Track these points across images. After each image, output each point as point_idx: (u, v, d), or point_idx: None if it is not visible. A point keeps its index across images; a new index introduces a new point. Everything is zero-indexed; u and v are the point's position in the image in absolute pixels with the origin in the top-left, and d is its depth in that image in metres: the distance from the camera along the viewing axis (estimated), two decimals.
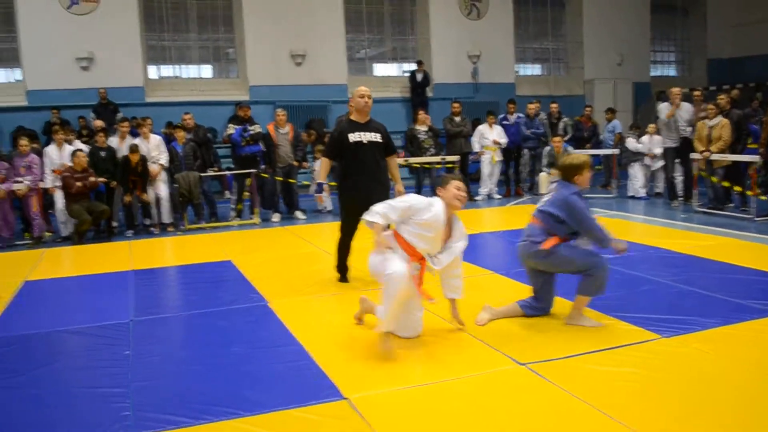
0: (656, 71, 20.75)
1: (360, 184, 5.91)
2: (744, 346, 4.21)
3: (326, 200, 11.28)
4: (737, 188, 9.76)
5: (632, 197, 11.74)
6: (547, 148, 11.31)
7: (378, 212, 4.32)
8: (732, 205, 10.06)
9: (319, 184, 6.72)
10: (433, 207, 4.35)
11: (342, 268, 6.37)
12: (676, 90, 10.47)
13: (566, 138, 12.63)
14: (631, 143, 11.98)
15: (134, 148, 9.69)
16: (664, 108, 10.59)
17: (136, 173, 9.74)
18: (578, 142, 12.90)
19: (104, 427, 3.41)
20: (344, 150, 5.98)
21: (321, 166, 6.37)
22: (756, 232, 8.14)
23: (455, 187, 4.41)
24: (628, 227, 8.99)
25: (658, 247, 7.15)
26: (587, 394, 3.55)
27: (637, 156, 11.86)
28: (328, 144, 6.44)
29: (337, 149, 6.05)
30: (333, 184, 8.11)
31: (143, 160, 9.80)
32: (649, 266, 6.38)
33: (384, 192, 5.92)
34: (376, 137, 5.99)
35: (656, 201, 11.45)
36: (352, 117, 6.14)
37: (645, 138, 11.97)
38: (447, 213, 4.41)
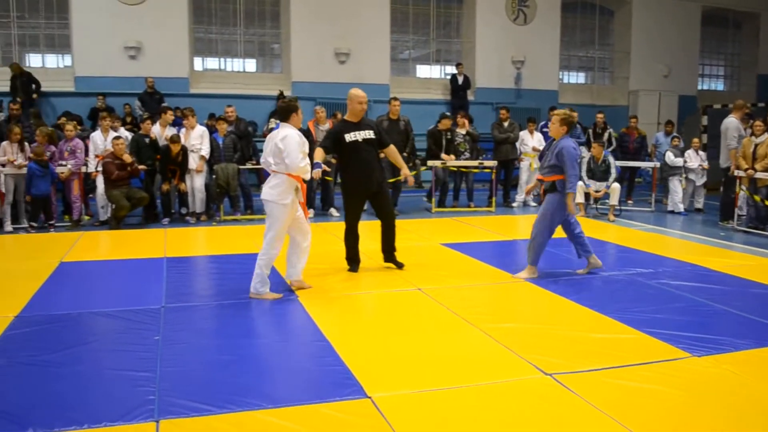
0: (704, 85, 20.38)
1: (359, 174, 6.55)
2: None
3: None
4: None
5: (671, 212, 11.54)
6: (587, 156, 10.95)
7: None
8: None
9: (317, 163, 6.72)
10: None
11: (352, 258, 6.74)
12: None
13: (610, 149, 12.39)
14: (670, 157, 11.73)
15: (175, 138, 9.83)
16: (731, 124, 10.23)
17: (175, 162, 9.88)
18: (625, 154, 12.71)
19: (129, 410, 3.46)
20: (342, 148, 6.58)
21: (316, 153, 6.63)
22: None
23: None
24: (665, 242, 8.84)
25: (695, 264, 7.01)
26: (613, 409, 3.49)
27: (676, 170, 11.63)
28: (325, 138, 6.88)
29: (333, 144, 6.63)
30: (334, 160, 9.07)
31: (184, 150, 9.94)
32: (683, 283, 6.26)
33: (382, 173, 6.85)
34: (369, 134, 6.62)
35: (695, 217, 11.21)
36: (347, 117, 6.75)
37: (689, 152, 11.74)
38: None
